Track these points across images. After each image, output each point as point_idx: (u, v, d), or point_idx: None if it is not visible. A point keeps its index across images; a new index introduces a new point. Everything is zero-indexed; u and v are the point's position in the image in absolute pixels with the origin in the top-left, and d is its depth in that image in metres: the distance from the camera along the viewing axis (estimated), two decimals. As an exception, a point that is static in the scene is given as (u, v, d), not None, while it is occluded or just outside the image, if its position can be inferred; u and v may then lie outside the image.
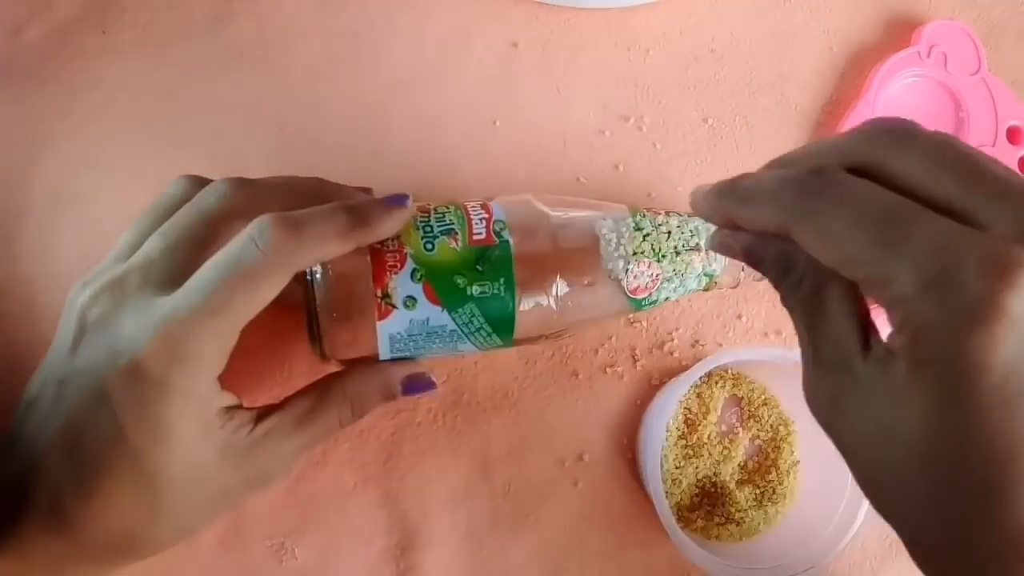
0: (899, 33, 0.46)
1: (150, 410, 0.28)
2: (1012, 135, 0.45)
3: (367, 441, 0.39)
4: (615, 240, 0.35)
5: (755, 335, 0.43)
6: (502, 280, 0.32)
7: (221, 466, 0.30)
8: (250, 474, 0.31)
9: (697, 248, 0.36)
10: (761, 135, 0.44)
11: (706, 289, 0.38)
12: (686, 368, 0.41)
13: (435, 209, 0.33)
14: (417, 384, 0.34)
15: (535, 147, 0.43)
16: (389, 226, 0.31)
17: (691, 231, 0.36)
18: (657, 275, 0.36)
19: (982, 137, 0.45)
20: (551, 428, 0.40)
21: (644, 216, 0.36)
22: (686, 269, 0.36)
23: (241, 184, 0.32)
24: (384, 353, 0.33)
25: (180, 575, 0.37)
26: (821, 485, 0.40)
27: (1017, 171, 0.45)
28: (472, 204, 0.34)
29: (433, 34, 0.43)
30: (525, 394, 0.40)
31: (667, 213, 0.37)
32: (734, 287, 0.38)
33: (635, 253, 0.35)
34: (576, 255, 0.34)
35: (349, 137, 0.42)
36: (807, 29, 0.46)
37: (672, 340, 0.42)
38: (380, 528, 0.39)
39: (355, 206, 0.30)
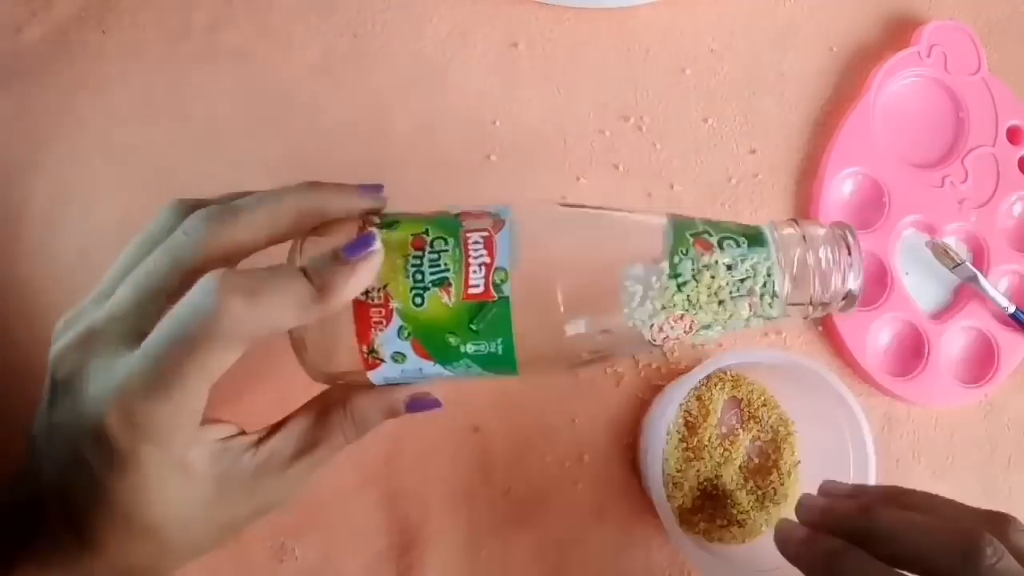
0: (899, 33, 0.46)
1: (127, 474, 0.26)
2: (1012, 135, 0.45)
3: (367, 441, 0.39)
4: (641, 293, 0.28)
5: (754, 336, 0.43)
6: (500, 340, 0.28)
7: (223, 499, 0.29)
8: (256, 503, 0.30)
9: (751, 292, 0.28)
10: (761, 135, 0.44)
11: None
12: (686, 370, 0.41)
13: (431, 244, 0.28)
14: (421, 403, 0.32)
15: (535, 147, 0.43)
16: (356, 286, 0.27)
17: (747, 270, 0.28)
18: (691, 324, 0.29)
19: (982, 137, 0.45)
20: (551, 428, 0.40)
21: (686, 255, 0.28)
22: (729, 318, 0.29)
23: (220, 222, 0.28)
24: (378, 384, 0.31)
25: (180, 575, 0.37)
26: (821, 485, 0.40)
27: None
28: (475, 235, 0.29)
29: (433, 34, 0.43)
30: (525, 394, 0.40)
31: (720, 243, 0.29)
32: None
33: (664, 307, 0.28)
34: (591, 306, 0.29)
35: (349, 137, 0.41)
36: (807, 29, 0.46)
37: (672, 340, 0.42)
38: (380, 528, 0.39)
39: (316, 270, 0.27)
